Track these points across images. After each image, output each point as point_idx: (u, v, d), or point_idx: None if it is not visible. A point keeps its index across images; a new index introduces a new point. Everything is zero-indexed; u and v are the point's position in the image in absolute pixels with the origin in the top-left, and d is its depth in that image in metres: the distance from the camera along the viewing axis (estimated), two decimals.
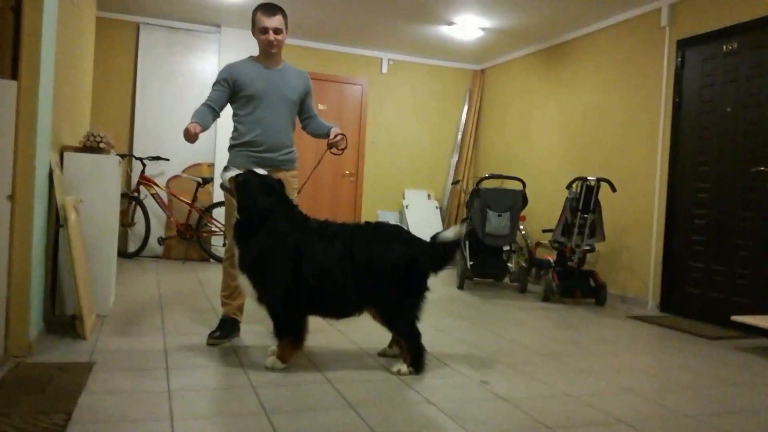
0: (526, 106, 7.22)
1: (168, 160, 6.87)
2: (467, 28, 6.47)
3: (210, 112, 3.36)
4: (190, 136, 3.16)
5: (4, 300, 2.74)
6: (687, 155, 5.06)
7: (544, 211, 6.62)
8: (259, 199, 2.87)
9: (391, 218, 7.83)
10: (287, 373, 2.84)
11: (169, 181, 6.92)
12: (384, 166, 7.94)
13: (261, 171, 3.05)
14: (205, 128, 3.27)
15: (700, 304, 4.86)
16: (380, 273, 2.83)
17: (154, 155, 6.81)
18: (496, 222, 5.62)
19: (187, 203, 6.66)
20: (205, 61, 7.10)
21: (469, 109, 8.22)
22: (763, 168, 4.43)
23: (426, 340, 2.95)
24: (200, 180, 6.65)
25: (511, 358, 3.38)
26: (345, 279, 2.83)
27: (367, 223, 3.10)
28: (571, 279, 5.36)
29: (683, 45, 5.11)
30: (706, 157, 4.90)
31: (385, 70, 7.87)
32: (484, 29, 6.52)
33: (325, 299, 2.89)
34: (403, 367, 2.92)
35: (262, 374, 2.81)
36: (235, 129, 3.44)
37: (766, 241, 4.39)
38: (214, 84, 3.42)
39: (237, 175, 2.98)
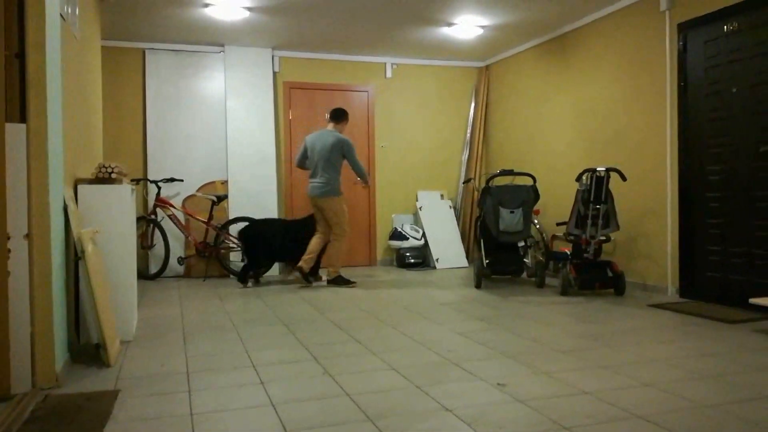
0: (532, 99, 7.21)
1: (182, 180, 6.99)
2: (467, 27, 6.49)
3: None
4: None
5: (29, 336, 2.83)
6: (696, 138, 5.03)
7: (559, 204, 6.60)
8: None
9: (406, 221, 7.86)
10: (308, 391, 2.89)
11: (184, 201, 7.04)
12: (395, 170, 7.98)
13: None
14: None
15: (720, 288, 4.83)
16: None
17: (168, 177, 6.93)
18: (509, 219, 5.62)
19: (204, 222, 6.76)
20: (211, 81, 7.20)
21: (476, 107, 8.22)
22: None
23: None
24: (215, 198, 6.74)
25: (529, 358, 3.39)
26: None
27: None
28: (589, 271, 5.33)
29: (684, 28, 5.07)
30: (715, 139, 4.86)
31: (389, 74, 7.91)
32: (483, 27, 6.53)
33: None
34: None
35: (282, 393, 2.87)
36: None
37: None
38: None
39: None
